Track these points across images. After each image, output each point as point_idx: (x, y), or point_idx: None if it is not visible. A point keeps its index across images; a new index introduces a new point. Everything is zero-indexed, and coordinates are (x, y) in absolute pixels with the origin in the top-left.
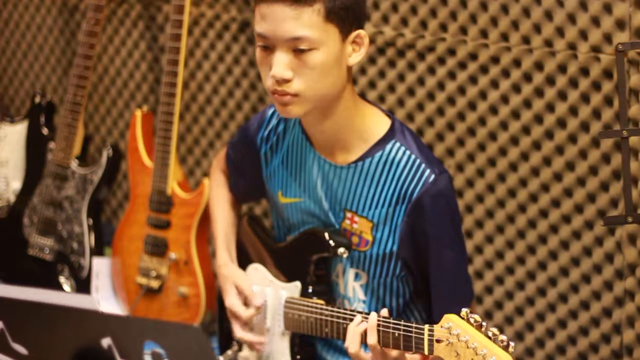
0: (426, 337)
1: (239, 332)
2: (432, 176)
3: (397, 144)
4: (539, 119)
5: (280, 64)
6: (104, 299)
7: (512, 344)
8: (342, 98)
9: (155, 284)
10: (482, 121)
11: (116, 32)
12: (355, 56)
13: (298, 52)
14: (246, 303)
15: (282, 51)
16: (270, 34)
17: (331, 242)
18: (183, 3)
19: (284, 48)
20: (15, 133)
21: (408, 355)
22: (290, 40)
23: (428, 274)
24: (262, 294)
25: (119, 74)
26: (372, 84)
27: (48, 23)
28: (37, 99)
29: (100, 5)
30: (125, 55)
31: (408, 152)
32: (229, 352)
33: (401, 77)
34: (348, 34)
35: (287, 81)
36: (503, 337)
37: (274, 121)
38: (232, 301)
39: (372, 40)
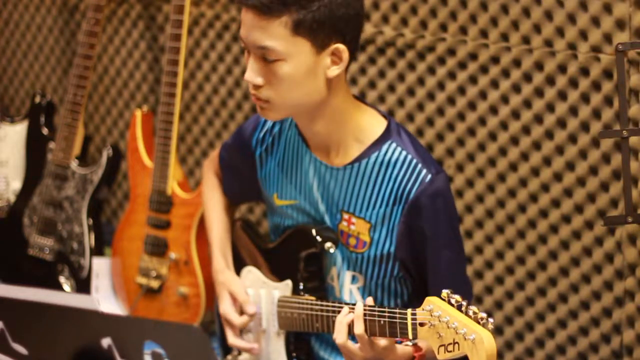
0: (409, 322)
1: (231, 338)
2: (429, 176)
3: (394, 145)
4: (539, 119)
5: (251, 69)
6: (104, 299)
7: (491, 320)
8: (329, 104)
9: (155, 284)
10: (482, 121)
11: (116, 32)
12: (335, 69)
13: (267, 61)
14: (241, 310)
15: (254, 57)
16: (244, 39)
17: (318, 237)
18: (183, 3)
19: (255, 55)
20: (15, 133)
21: (399, 346)
22: (259, 49)
23: (426, 274)
24: (257, 298)
25: (119, 74)
26: (372, 84)
27: (48, 23)
28: (37, 99)
29: (100, 5)
30: (125, 55)
31: (404, 153)
32: (229, 357)
33: (401, 77)
34: (324, 46)
35: (258, 87)
36: (483, 315)
37: (269, 123)
38: (225, 308)
39: (372, 40)
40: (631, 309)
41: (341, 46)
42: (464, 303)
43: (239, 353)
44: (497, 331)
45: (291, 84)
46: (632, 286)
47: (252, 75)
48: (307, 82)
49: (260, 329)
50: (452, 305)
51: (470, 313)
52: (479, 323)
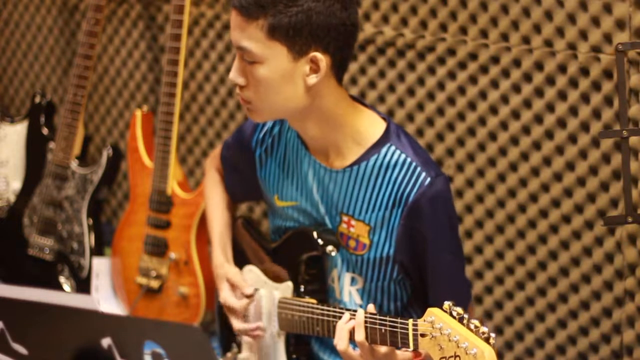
0: (410, 332)
1: (236, 324)
2: (429, 179)
3: (393, 147)
4: (539, 119)
5: (235, 69)
6: (104, 299)
7: (493, 335)
8: (318, 108)
9: (155, 284)
10: (482, 121)
11: (116, 32)
12: (313, 77)
13: (247, 62)
14: (240, 296)
15: (239, 57)
16: (231, 38)
17: (320, 240)
18: (183, 3)
19: (239, 55)
20: (15, 133)
21: (399, 352)
22: (239, 49)
23: (426, 277)
24: (258, 297)
25: (119, 74)
26: (372, 84)
27: (48, 23)
28: (37, 99)
29: (100, 5)
30: (125, 55)
31: (404, 155)
32: (229, 354)
33: (401, 77)
34: (302, 53)
35: (242, 87)
36: (484, 329)
37: (268, 124)
38: (225, 296)
39: (372, 40)
40: (631, 309)
41: (319, 55)
42: (466, 316)
43: (239, 351)
44: (497, 331)
45: (268, 87)
46: (632, 286)
47: (235, 74)
48: (285, 87)
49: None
50: (454, 317)
51: (472, 326)
52: (480, 337)
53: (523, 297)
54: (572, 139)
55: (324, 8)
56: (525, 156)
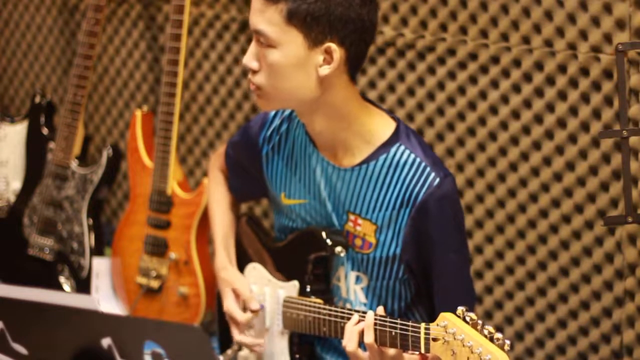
0: (422, 336)
1: (237, 335)
2: (437, 179)
3: (402, 147)
4: (539, 119)
5: (249, 53)
6: (104, 299)
7: (507, 342)
8: (327, 102)
9: (155, 284)
10: (482, 121)
11: (116, 32)
12: (326, 68)
13: (263, 45)
14: (245, 307)
15: (255, 41)
16: (249, 22)
17: (328, 240)
18: (183, 3)
19: (255, 39)
20: (15, 133)
21: (406, 354)
22: (255, 32)
23: (431, 277)
24: (261, 296)
25: (119, 74)
26: (372, 84)
27: (48, 23)
28: (37, 99)
29: (100, 5)
30: (125, 55)
31: (413, 156)
32: (229, 351)
33: (401, 77)
34: (317, 43)
35: (254, 72)
36: (499, 335)
37: (276, 121)
38: (229, 305)
39: None
40: (631, 309)
41: (334, 45)
42: (480, 322)
43: (239, 348)
44: (497, 331)
45: (279, 73)
46: (632, 286)
47: (249, 58)
48: (296, 75)
49: (263, 326)
50: (467, 323)
51: (486, 332)
52: (494, 343)
53: (523, 297)
54: (572, 139)
55: (344, 0)
56: (525, 156)
